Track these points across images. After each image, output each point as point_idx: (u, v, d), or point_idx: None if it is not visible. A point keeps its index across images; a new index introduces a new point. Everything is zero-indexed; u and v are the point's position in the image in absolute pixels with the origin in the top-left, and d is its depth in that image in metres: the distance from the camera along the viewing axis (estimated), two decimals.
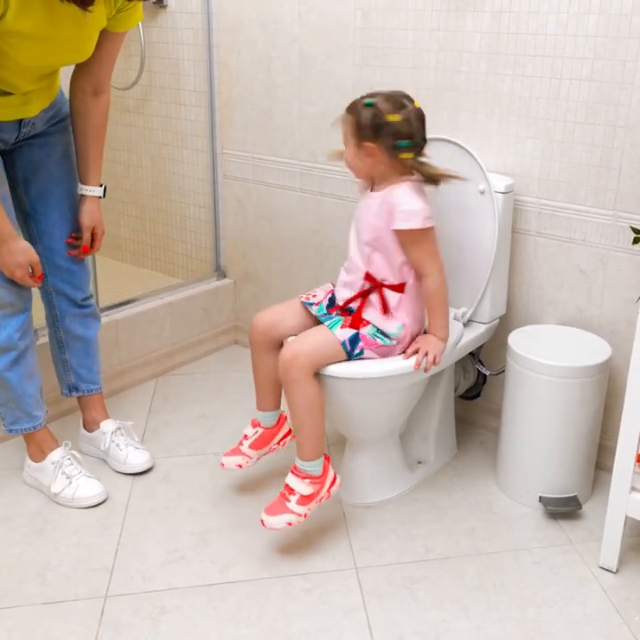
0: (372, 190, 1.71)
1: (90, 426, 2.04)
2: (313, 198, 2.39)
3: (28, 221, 1.84)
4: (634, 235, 1.59)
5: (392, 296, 1.69)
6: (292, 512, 1.63)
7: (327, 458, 1.72)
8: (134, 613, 1.53)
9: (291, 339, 1.72)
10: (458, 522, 1.82)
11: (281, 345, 1.75)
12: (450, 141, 1.89)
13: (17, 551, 1.70)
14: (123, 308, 2.39)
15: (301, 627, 1.50)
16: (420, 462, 2.00)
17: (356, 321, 1.70)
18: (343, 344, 1.66)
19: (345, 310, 1.74)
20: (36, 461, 1.89)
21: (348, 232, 1.86)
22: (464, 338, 1.88)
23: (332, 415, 1.80)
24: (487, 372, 2.08)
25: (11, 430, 1.86)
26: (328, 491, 1.70)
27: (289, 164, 2.41)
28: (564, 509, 1.82)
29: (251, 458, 1.85)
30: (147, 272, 2.98)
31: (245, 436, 1.87)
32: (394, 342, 1.70)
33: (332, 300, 1.79)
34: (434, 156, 1.93)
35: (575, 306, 1.97)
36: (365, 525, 1.80)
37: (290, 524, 1.62)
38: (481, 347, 2.04)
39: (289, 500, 1.64)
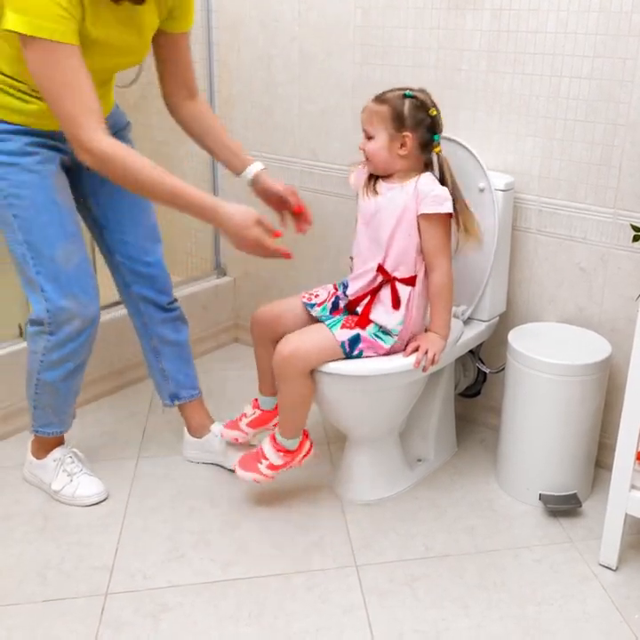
0: (381, 182, 1.72)
1: (199, 431, 2.01)
2: (313, 196, 2.39)
3: (102, 233, 1.83)
4: (634, 233, 1.59)
5: (403, 290, 1.70)
6: (261, 473, 1.77)
7: (305, 433, 1.80)
8: (135, 611, 1.53)
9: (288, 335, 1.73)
10: (458, 520, 1.82)
11: (281, 338, 1.75)
12: (450, 139, 1.89)
13: (17, 550, 1.70)
14: (122, 306, 2.38)
15: (301, 625, 1.50)
16: (419, 460, 2.01)
17: (362, 322, 1.70)
18: (342, 345, 1.66)
19: (352, 311, 1.75)
20: (37, 458, 1.89)
21: (351, 230, 1.86)
22: (464, 336, 1.88)
23: (332, 413, 1.80)
24: (487, 370, 2.08)
25: (38, 431, 1.86)
26: (300, 461, 1.81)
27: (289, 162, 2.41)
28: (564, 507, 1.82)
29: (246, 434, 1.93)
30: None
31: (244, 414, 1.93)
32: (394, 341, 1.70)
33: (335, 304, 1.79)
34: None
35: (575, 304, 1.97)
36: (365, 523, 1.80)
37: (256, 480, 1.78)
38: (481, 344, 2.04)
39: (260, 462, 1.77)
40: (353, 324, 1.70)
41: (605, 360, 1.79)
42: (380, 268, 1.71)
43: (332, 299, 1.80)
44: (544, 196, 1.94)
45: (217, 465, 2.00)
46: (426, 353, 1.68)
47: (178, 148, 2.71)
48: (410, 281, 1.70)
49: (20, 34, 1.37)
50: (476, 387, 2.15)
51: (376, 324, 1.70)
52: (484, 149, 1.97)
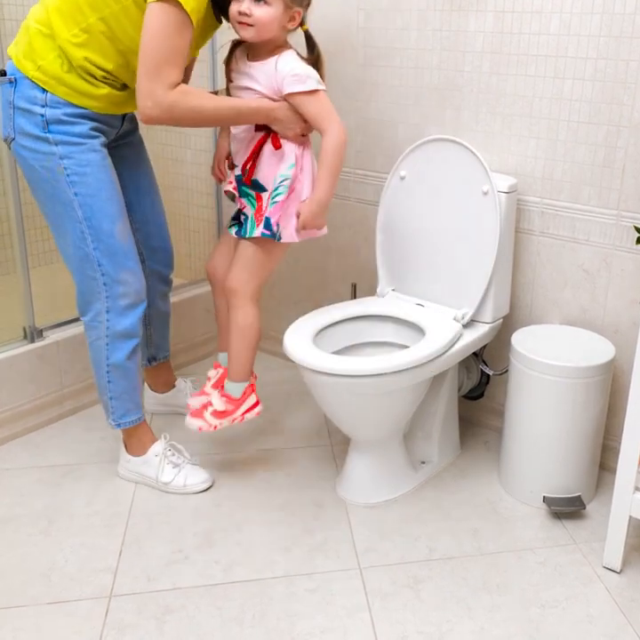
0: (251, 59, 1.73)
1: (163, 388, 2.22)
2: None
3: (127, 211, 1.92)
4: (637, 234, 1.59)
5: (285, 142, 1.75)
6: (205, 420, 1.84)
7: (252, 386, 1.89)
8: (139, 613, 1.53)
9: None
10: (461, 522, 1.82)
11: None
12: (453, 141, 1.89)
13: (22, 551, 1.70)
14: None
15: (305, 627, 1.50)
16: (423, 462, 2.01)
17: (248, 180, 1.78)
18: (263, 234, 1.75)
19: (250, 183, 1.79)
20: (137, 455, 1.92)
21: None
22: (467, 338, 1.88)
23: (336, 415, 1.80)
24: (490, 372, 2.08)
25: (119, 424, 1.89)
26: (242, 415, 1.87)
27: None
28: (567, 509, 1.82)
29: (210, 396, 1.93)
30: None
31: (208, 378, 2.00)
32: (288, 187, 1.74)
33: (239, 179, 1.82)
34: (437, 155, 1.93)
35: (579, 306, 1.97)
36: (369, 525, 1.80)
37: (200, 429, 1.84)
38: (484, 347, 2.04)
39: (206, 410, 1.85)
40: (259, 213, 1.77)
41: (609, 362, 1.79)
42: (258, 127, 1.75)
43: (236, 174, 1.83)
44: (547, 198, 1.94)
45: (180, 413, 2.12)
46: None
47: (180, 150, 2.71)
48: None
49: None
50: (479, 389, 2.15)
51: (260, 183, 1.77)
52: (486, 151, 1.97)
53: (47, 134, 1.63)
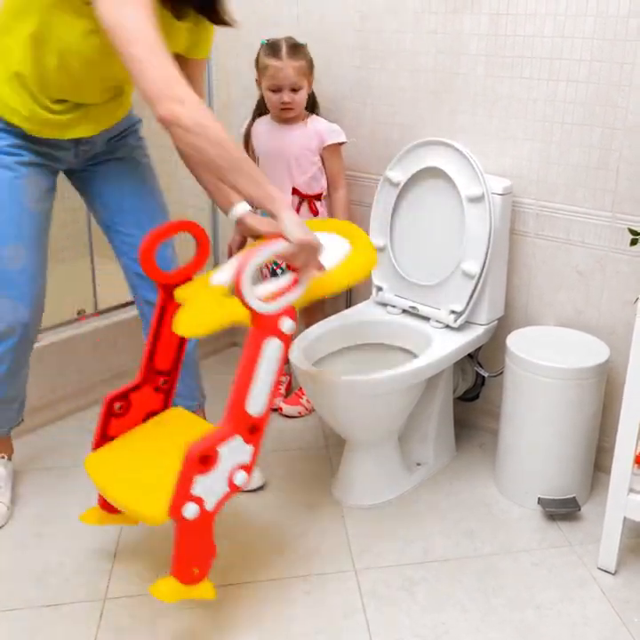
0: (284, 124, 2.07)
1: None
2: None
3: (109, 234, 1.81)
4: (631, 236, 1.60)
5: (319, 204, 2.10)
6: (302, 405, 2.26)
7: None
8: (133, 616, 1.53)
9: None
10: (457, 523, 1.82)
11: None
12: (446, 144, 1.89)
13: (16, 554, 1.70)
14: (121, 310, 2.39)
15: (301, 629, 1.50)
16: (419, 464, 2.01)
17: None
18: None
19: None
20: None
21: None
22: (462, 339, 1.88)
23: (332, 417, 1.80)
24: (486, 374, 2.08)
25: None
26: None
27: None
28: (562, 511, 1.82)
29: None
30: None
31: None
32: None
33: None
34: (430, 158, 1.93)
35: (573, 307, 1.97)
36: (364, 527, 1.80)
37: (300, 413, 2.26)
38: (479, 348, 2.04)
39: (301, 398, 2.25)
40: None
41: (604, 363, 1.79)
42: (296, 191, 2.07)
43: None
44: (542, 200, 1.94)
45: None
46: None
47: (176, 153, 2.70)
48: (318, 197, 2.09)
49: None
50: (474, 390, 2.15)
51: None
52: (482, 153, 1.97)
53: None
